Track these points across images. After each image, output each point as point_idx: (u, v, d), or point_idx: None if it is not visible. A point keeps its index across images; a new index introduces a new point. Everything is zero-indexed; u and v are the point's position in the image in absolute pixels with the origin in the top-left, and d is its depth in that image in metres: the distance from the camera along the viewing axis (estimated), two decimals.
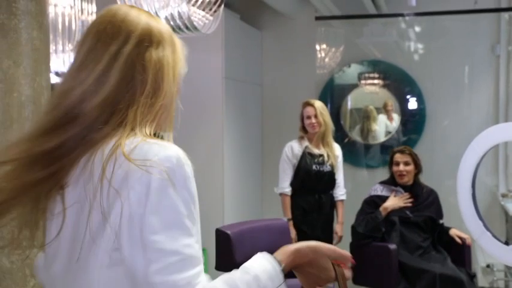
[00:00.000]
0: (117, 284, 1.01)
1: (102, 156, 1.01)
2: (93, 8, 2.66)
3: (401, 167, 3.88)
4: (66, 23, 2.51)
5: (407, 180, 3.90)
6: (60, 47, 2.53)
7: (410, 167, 3.89)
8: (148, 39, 1.10)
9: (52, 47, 2.50)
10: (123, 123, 1.05)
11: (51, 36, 2.40)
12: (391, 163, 3.98)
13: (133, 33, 1.10)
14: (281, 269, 1.09)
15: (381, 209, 3.80)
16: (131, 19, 1.11)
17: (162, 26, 1.15)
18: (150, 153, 1.00)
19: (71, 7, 2.54)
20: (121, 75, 1.06)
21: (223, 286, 1.01)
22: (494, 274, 4.69)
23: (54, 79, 2.69)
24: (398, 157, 3.92)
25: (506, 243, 2.31)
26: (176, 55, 1.15)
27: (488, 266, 4.72)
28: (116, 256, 0.99)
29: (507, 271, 4.67)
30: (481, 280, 4.77)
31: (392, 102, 5.64)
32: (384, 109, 5.69)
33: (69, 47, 2.54)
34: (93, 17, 2.64)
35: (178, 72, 1.15)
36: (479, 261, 4.88)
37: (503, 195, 5.09)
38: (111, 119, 1.05)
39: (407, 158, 3.90)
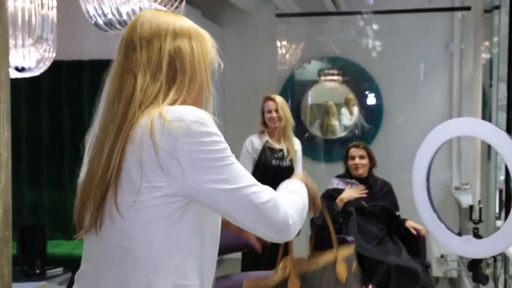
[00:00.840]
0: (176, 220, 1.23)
1: (146, 123, 1.19)
2: (53, 2, 2.65)
3: (357, 160, 4.02)
4: (26, 18, 2.50)
5: (362, 172, 4.03)
6: (20, 42, 2.52)
7: (365, 161, 4.04)
8: (179, 35, 1.30)
9: (12, 42, 2.48)
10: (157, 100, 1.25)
11: (10, 31, 2.39)
12: (346, 157, 4.11)
13: (168, 31, 1.30)
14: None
15: (337, 200, 3.91)
16: (162, 21, 1.31)
17: (186, 23, 1.34)
18: (184, 114, 1.19)
19: (31, 1, 2.53)
20: (166, 66, 1.27)
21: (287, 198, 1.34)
22: (447, 264, 4.84)
23: (14, 74, 2.67)
24: (353, 151, 4.07)
25: (459, 234, 2.41)
26: (203, 47, 1.34)
27: (442, 256, 4.86)
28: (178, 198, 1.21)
29: (460, 261, 4.83)
30: (435, 270, 4.92)
31: (354, 98, 5.77)
32: (346, 104, 5.82)
33: (29, 41, 2.53)
34: (54, 11, 2.63)
35: (204, 60, 1.34)
36: (433, 252, 5.04)
37: (457, 188, 5.26)
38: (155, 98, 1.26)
39: (362, 152, 4.05)
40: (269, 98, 4.03)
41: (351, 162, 4.06)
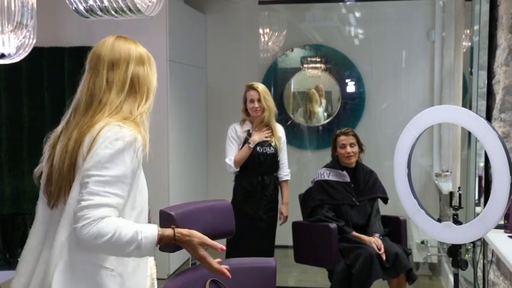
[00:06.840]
0: None
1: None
2: None
3: (349, 148, 3.91)
4: (5, 3, 2.47)
5: (354, 160, 3.95)
6: None
7: (356, 148, 3.94)
8: (139, 61, 1.73)
9: None
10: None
11: None
12: (334, 146, 4.00)
13: (131, 58, 1.72)
14: (158, 234, 1.57)
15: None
16: (127, 48, 1.73)
17: (142, 50, 1.76)
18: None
19: None
20: (128, 85, 1.71)
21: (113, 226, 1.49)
22: (428, 250, 4.90)
23: None
24: (343, 139, 3.94)
25: (439, 220, 2.45)
26: (152, 70, 1.78)
27: (422, 242, 4.92)
28: None
29: (440, 247, 4.90)
30: (416, 256, 4.98)
31: (322, 86, 5.80)
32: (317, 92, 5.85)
33: (9, 27, 2.49)
34: None
35: (152, 80, 1.78)
36: (414, 238, 5.10)
37: (437, 175, 5.31)
38: None
39: (353, 140, 3.93)
40: (252, 87, 3.99)
41: (342, 151, 3.93)
